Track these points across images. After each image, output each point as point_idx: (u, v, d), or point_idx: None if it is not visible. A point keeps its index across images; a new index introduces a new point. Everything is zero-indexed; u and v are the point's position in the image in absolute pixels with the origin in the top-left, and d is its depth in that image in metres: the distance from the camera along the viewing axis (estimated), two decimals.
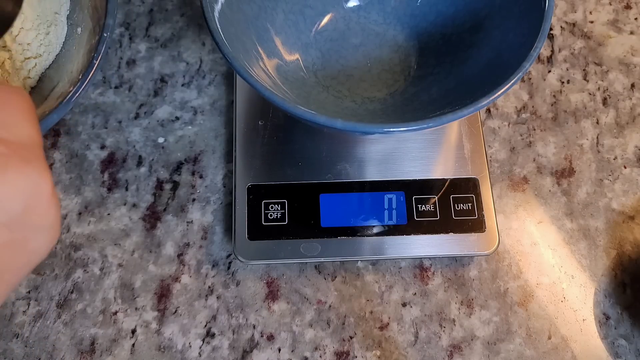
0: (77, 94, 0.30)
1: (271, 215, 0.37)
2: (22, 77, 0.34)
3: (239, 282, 0.37)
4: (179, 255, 0.38)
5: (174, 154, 0.41)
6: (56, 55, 0.36)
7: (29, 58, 0.34)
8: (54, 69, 0.35)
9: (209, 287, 0.37)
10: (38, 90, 0.35)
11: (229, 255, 0.38)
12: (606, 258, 0.39)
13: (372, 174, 0.38)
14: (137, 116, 0.42)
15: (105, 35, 0.31)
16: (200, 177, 0.40)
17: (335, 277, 0.38)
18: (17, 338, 0.36)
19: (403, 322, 0.37)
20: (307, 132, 0.39)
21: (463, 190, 0.38)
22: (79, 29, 0.36)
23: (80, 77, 0.31)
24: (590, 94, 0.43)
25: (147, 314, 0.36)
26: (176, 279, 0.37)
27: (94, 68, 0.31)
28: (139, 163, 0.40)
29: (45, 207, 0.21)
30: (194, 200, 0.39)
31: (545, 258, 0.38)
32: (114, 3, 0.32)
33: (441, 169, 0.39)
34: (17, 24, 0.33)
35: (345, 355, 0.36)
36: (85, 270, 0.37)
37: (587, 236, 0.39)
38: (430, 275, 0.38)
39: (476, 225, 0.37)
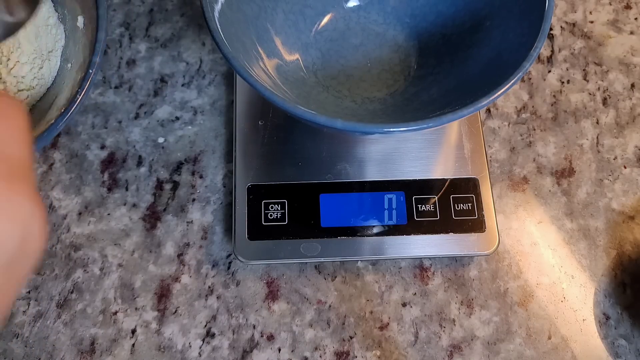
0: (59, 125, 0.31)
1: (271, 215, 0.37)
2: None
3: (239, 282, 0.37)
4: (179, 255, 0.38)
5: (174, 154, 0.41)
6: (47, 89, 0.36)
7: (22, 90, 0.35)
8: (44, 101, 0.36)
9: (209, 287, 0.37)
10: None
11: (229, 255, 0.38)
12: (606, 258, 0.39)
13: (372, 174, 0.38)
14: (137, 116, 0.42)
15: (90, 72, 0.32)
16: (200, 177, 0.40)
17: (335, 277, 0.38)
18: (17, 338, 0.36)
19: (403, 322, 0.37)
20: (307, 132, 0.39)
21: (463, 190, 0.38)
22: (69, 65, 0.36)
23: (62, 110, 0.32)
24: (590, 94, 0.43)
25: (147, 314, 0.36)
26: (176, 279, 0.37)
27: (77, 103, 0.32)
28: (139, 163, 0.40)
29: (39, 235, 0.19)
30: (194, 200, 0.39)
31: (545, 258, 0.38)
32: (101, 42, 0.33)
33: (441, 169, 0.39)
34: (14, 57, 0.34)
35: (345, 355, 0.36)
36: (85, 270, 0.37)
37: (587, 236, 0.39)
38: (430, 275, 0.38)
39: (476, 225, 0.37)
